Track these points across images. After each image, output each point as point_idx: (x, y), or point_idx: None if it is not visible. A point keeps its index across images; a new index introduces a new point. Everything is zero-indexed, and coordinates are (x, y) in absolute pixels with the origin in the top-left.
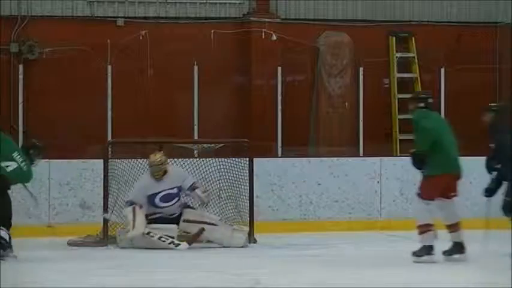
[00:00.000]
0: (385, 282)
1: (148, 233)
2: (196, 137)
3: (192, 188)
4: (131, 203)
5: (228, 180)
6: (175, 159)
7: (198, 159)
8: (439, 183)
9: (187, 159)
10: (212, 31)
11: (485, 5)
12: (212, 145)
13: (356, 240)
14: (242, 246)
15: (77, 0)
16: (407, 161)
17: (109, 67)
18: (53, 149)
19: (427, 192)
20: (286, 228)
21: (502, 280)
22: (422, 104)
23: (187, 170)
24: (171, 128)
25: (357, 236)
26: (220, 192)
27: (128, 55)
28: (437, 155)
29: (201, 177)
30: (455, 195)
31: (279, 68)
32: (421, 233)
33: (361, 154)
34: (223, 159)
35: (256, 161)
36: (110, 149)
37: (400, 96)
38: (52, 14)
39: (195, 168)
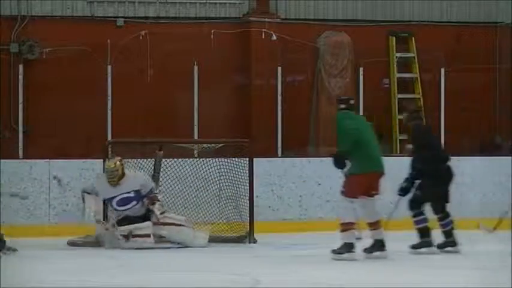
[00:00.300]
0: (385, 282)
1: (99, 220)
2: (196, 137)
3: (150, 199)
4: (85, 192)
5: (228, 180)
6: (175, 159)
7: (198, 159)
8: (362, 182)
9: (187, 159)
10: (212, 31)
11: (485, 5)
12: (212, 145)
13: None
14: (204, 246)
15: (77, 0)
16: (407, 160)
17: (109, 67)
18: (53, 148)
19: (350, 191)
20: (286, 228)
21: (502, 280)
22: (343, 106)
23: (187, 170)
24: (171, 128)
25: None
26: (220, 192)
27: (128, 55)
28: (360, 154)
29: (201, 177)
30: (377, 194)
31: (279, 68)
32: (343, 230)
33: None
34: (223, 159)
35: (256, 161)
36: (109, 149)
37: (400, 96)
38: (52, 14)
39: (195, 168)
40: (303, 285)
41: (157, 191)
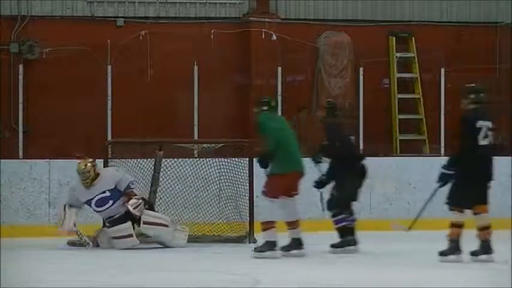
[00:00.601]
0: (385, 282)
1: (76, 232)
2: (196, 137)
3: (127, 195)
4: (69, 205)
5: (228, 180)
6: (175, 159)
7: (198, 159)
8: (283, 182)
9: (187, 159)
10: (212, 31)
11: (485, 5)
12: (212, 145)
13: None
14: (183, 246)
15: (77, 0)
16: (406, 160)
17: (109, 67)
18: (53, 148)
19: (271, 191)
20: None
21: (502, 280)
22: (265, 107)
23: (187, 170)
24: (171, 128)
25: (358, 236)
26: (220, 192)
27: (128, 55)
28: (281, 154)
29: (201, 177)
30: (296, 194)
31: (279, 68)
32: (264, 229)
33: None
34: (223, 159)
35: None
36: (109, 149)
37: (400, 96)
38: (52, 14)
39: (195, 168)
40: (303, 285)
41: (133, 186)
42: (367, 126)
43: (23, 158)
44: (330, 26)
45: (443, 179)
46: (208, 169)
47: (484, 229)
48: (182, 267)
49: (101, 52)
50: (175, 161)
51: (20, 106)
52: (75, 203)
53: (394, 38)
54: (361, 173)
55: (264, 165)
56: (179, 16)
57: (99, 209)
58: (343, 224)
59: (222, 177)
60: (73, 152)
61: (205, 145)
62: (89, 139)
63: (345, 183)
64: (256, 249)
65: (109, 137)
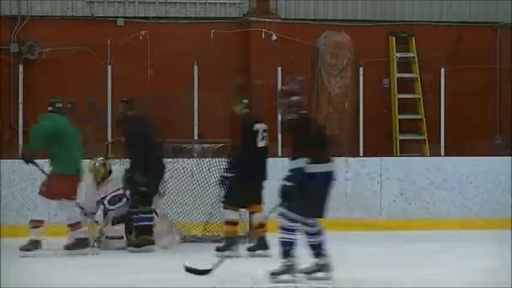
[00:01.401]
0: (385, 282)
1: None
2: (196, 137)
3: None
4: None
5: None
6: (176, 159)
7: (198, 159)
8: (65, 183)
9: (187, 159)
10: (212, 31)
11: (485, 5)
12: (212, 145)
13: (356, 240)
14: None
15: (77, 0)
16: (407, 160)
17: (109, 67)
18: None
19: (49, 191)
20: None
21: (502, 280)
22: (50, 108)
23: (187, 170)
24: (171, 128)
25: (357, 236)
26: (221, 192)
27: (128, 55)
28: (62, 156)
29: (201, 177)
30: (75, 198)
31: (279, 68)
32: (32, 227)
33: (361, 154)
34: (223, 159)
35: None
36: (109, 148)
37: (400, 96)
38: (52, 14)
39: (195, 168)
40: (303, 285)
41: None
42: (367, 126)
43: None
44: (330, 26)
45: (221, 182)
46: (208, 169)
47: (260, 227)
48: (181, 267)
49: (101, 52)
50: (175, 161)
51: (20, 106)
52: (89, 207)
53: (394, 38)
54: (160, 171)
55: (26, 161)
56: (179, 16)
57: (113, 206)
58: (146, 223)
59: None
60: None
61: (205, 145)
62: (89, 139)
63: (153, 180)
64: (21, 248)
65: (109, 137)
